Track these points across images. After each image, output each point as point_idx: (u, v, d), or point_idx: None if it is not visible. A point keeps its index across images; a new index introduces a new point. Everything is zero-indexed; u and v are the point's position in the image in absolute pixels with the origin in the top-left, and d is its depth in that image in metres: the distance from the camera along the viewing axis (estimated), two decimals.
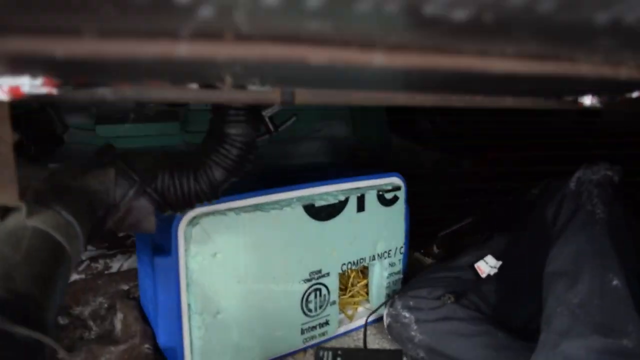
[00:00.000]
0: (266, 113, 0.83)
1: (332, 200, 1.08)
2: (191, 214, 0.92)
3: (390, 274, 1.24)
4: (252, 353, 1.04)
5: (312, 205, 1.06)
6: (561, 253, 0.93)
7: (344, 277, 1.30)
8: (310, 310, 1.10)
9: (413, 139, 2.35)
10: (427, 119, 2.46)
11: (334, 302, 1.14)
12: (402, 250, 1.25)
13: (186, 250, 0.93)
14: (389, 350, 0.88)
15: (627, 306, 0.82)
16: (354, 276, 1.30)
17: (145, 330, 1.09)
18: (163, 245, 0.94)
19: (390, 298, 1.16)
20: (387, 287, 1.25)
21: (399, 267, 1.25)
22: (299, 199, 1.05)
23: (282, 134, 0.91)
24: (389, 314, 1.14)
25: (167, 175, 0.70)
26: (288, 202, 1.03)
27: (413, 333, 1.08)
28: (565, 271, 0.90)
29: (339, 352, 0.86)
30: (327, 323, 1.14)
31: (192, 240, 0.92)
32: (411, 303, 1.11)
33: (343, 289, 1.28)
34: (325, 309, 1.13)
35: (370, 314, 1.19)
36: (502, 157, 2.17)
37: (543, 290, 0.93)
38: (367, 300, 1.28)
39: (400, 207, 1.21)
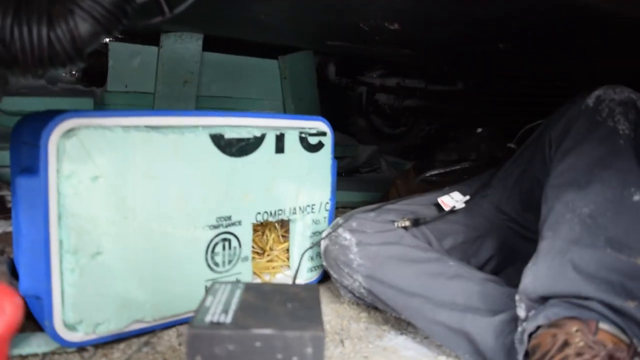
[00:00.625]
0: None
1: (245, 135, 0.93)
2: (67, 123, 0.75)
3: (314, 233, 1.09)
4: (142, 310, 0.85)
5: (221, 137, 0.90)
6: (572, 167, 0.80)
7: (261, 240, 1.14)
8: (217, 265, 0.93)
9: (350, 135, 2.30)
10: (364, 119, 2.43)
11: (246, 258, 0.98)
12: (328, 207, 1.11)
13: (58, 169, 0.75)
14: (303, 285, 0.72)
15: None
16: (274, 239, 1.14)
17: (11, 283, 0.89)
18: (31, 165, 0.76)
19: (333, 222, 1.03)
20: (311, 249, 1.09)
21: (324, 225, 1.10)
22: (205, 127, 0.89)
23: None
24: (327, 236, 1.00)
25: (10, 16, 0.52)
26: (192, 129, 0.87)
27: (352, 256, 0.94)
28: (577, 181, 0.77)
29: (240, 285, 0.70)
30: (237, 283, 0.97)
31: (66, 157, 0.75)
32: (354, 224, 0.98)
33: (260, 252, 1.12)
34: (235, 264, 0.96)
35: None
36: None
37: (544, 203, 0.81)
38: (288, 267, 1.12)
39: (326, 155, 1.07)
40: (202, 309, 0.60)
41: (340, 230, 0.98)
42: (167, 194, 0.85)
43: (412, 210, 1.05)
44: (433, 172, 1.31)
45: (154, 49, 1.71)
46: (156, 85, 1.76)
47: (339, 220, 1.00)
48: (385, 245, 0.94)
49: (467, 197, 1.05)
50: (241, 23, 1.28)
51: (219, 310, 0.60)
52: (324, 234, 1.01)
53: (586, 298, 0.66)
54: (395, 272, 0.91)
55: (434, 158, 1.35)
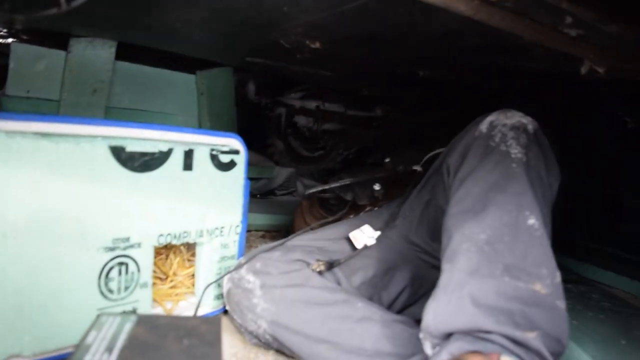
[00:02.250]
0: None
1: (150, 149, 0.85)
2: None
3: (222, 258, 1.02)
4: (19, 343, 0.74)
5: (123, 149, 0.82)
6: (468, 193, 0.79)
7: (164, 264, 1.05)
8: (111, 292, 0.84)
9: (268, 156, 2.24)
10: (282, 141, 2.38)
11: (145, 285, 0.89)
12: (239, 230, 1.04)
13: None
14: (203, 318, 0.65)
15: (543, 248, 0.70)
16: (178, 263, 1.05)
17: None
18: None
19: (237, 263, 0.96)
20: (218, 274, 1.01)
21: (233, 250, 1.03)
22: (105, 137, 0.80)
23: None
24: (230, 279, 0.93)
25: None
26: (89, 139, 0.78)
27: (256, 301, 0.88)
28: (473, 207, 0.76)
29: (132, 317, 0.61)
30: (134, 312, 0.88)
31: None
32: (258, 265, 0.91)
33: (163, 277, 1.03)
34: (132, 291, 0.87)
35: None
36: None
37: (444, 233, 0.78)
38: (193, 294, 1.04)
39: (238, 175, 1.00)
40: (82, 347, 0.52)
41: (243, 271, 0.92)
42: (56, 210, 0.75)
43: (319, 246, 1.01)
44: (317, 189, 1.27)
45: (62, 53, 1.57)
46: (62, 92, 1.62)
47: (242, 260, 0.94)
48: (290, 287, 0.88)
49: (379, 233, 1.02)
50: (157, 31, 1.20)
51: (102, 348, 0.52)
52: (226, 277, 0.94)
53: (487, 332, 0.63)
54: (301, 316, 0.85)
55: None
